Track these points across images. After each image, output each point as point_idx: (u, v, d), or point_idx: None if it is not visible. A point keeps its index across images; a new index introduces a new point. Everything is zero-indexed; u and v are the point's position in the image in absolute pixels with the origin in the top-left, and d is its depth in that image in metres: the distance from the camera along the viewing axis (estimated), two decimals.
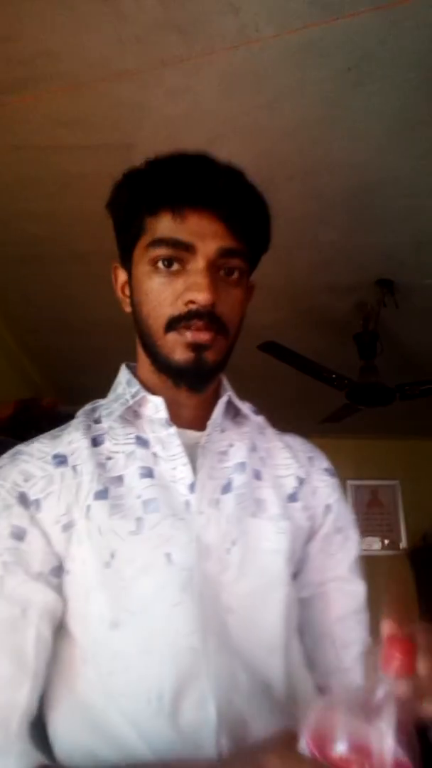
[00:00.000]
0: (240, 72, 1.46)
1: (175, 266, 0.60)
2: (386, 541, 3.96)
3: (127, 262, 0.65)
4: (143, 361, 0.67)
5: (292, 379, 2.74)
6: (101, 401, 0.69)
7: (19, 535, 0.57)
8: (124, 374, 0.69)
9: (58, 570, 0.58)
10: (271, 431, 0.73)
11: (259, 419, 0.72)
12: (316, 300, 2.52)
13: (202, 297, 0.58)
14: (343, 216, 2.00)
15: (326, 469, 0.73)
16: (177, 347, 0.60)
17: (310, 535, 0.68)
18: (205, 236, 0.59)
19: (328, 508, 0.69)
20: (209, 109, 1.58)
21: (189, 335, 0.59)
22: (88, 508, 0.58)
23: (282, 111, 1.58)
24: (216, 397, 0.68)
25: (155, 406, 0.63)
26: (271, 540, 0.63)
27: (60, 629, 0.58)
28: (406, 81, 1.47)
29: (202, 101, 1.55)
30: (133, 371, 0.69)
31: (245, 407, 0.70)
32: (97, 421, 0.66)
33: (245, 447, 0.67)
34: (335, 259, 2.24)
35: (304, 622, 0.66)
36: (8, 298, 2.53)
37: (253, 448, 0.68)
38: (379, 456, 4.05)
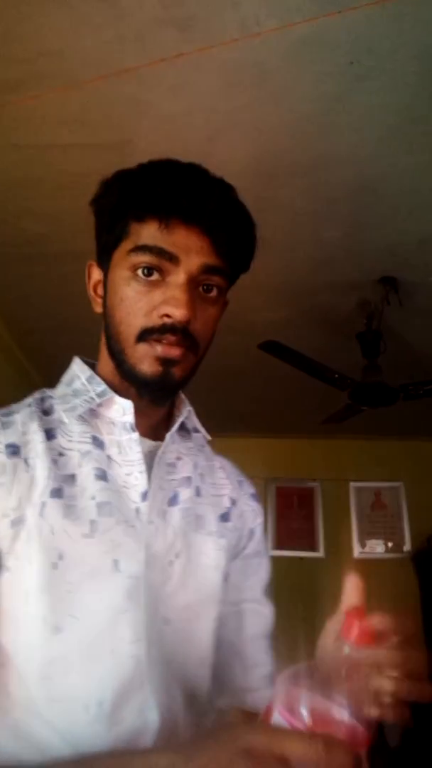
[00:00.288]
0: (240, 66, 1.46)
1: (155, 276, 0.59)
2: (390, 544, 3.95)
3: (104, 263, 0.65)
4: (106, 363, 0.66)
5: (293, 379, 2.74)
6: (50, 392, 0.67)
7: None
8: (81, 369, 0.67)
9: None
10: (209, 450, 0.74)
11: (201, 436, 0.73)
12: (318, 298, 2.52)
13: (179, 313, 0.58)
14: (345, 212, 2.00)
15: (252, 495, 0.75)
16: (146, 359, 0.60)
17: (234, 556, 0.70)
18: (190, 250, 0.59)
19: (251, 531, 0.72)
20: (209, 104, 1.58)
21: (159, 349, 0.59)
22: (43, 505, 0.57)
23: (283, 106, 1.58)
24: (171, 407, 0.69)
25: (122, 409, 0.63)
26: (211, 556, 0.65)
27: None
28: (409, 75, 1.47)
29: (203, 97, 1.56)
30: (92, 368, 0.68)
31: (197, 423, 0.71)
32: (47, 413, 0.64)
33: (191, 462, 0.69)
34: (338, 257, 2.24)
35: (217, 640, 0.67)
36: (8, 298, 2.54)
37: (196, 464, 0.70)
38: (382, 457, 4.05)
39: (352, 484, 4.07)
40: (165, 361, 0.60)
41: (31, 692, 0.54)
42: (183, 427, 0.70)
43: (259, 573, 0.72)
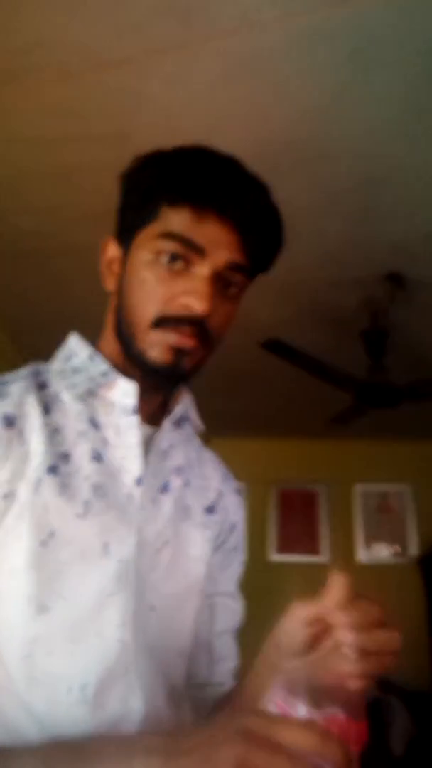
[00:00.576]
0: (241, 57, 1.47)
1: (179, 264, 0.59)
2: (396, 548, 3.96)
3: (125, 240, 0.64)
4: (111, 342, 0.66)
5: (296, 379, 2.74)
6: (44, 366, 0.67)
7: None
8: (81, 346, 0.66)
9: None
10: (197, 441, 0.75)
11: (190, 427, 0.73)
12: (322, 295, 2.53)
13: (200, 306, 0.58)
14: (349, 207, 2.00)
15: (236, 489, 0.77)
16: (158, 346, 0.60)
17: (216, 548, 0.71)
18: (219, 245, 0.59)
19: (233, 525, 0.74)
20: (209, 96, 1.58)
21: (173, 338, 0.60)
22: (39, 481, 0.56)
23: (285, 98, 1.58)
24: (166, 395, 0.69)
25: (124, 392, 0.62)
26: (197, 547, 0.66)
27: None
28: (413, 66, 1.47)
29: (202, 89, 1.56)
30: (93, 346, 0.67)
31: (192, 413, 0.72)
32: (42, 387, 0.63)
33: (183, 451, 0.70)
34: (342, 253, 2.24)
35: None
36: (2, 295, 2.54)
37: (187, 454, 0.71)
38: (388, 459, 4.05)
39: (358, 487, 4.07)
40: (177, 351, 0.60)
41: (10, 672, 0.54)
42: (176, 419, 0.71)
43: (234, 567, 0.74)
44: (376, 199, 1.97)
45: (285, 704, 0.45)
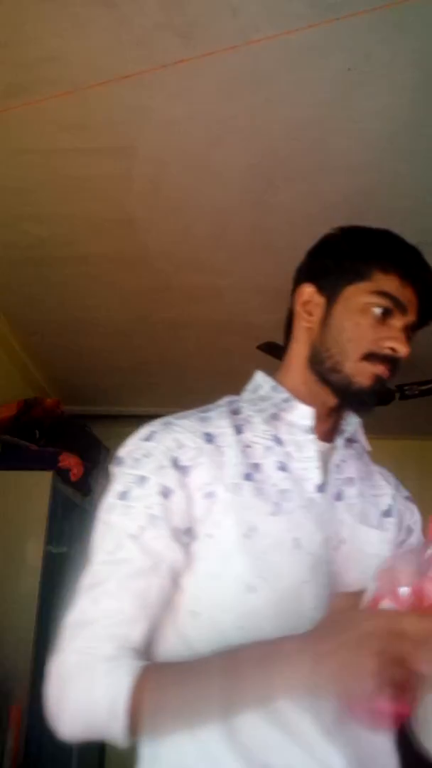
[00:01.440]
0: (240, 73, 1.45)
1: (383, 315, 0.72)
2: None
3: (328, 290, 0.76)
4: (297, 373, 0.77)
5: None
6: (236, 397, 0.79)
7: (166, 494, 0.65)
8: (265, 380, 0.79)
9: (190, 532, 0.65)
10: (367, 458, 0.85)
11: (361, 446, 0.82)
12: None
13: (404, 351, 0.72)
14: (342, 217, 1.96)
15: (408, 497, 0.86)
16: (366, 373, 0.72)
17: (396, 548, 0.78)
18: (412, 307, 0.73)
19: (410, 528, 0.82)
20: (210, 110, 1.57)
21: (380, 368, 0.72)
22: (237, 485, 0.67)
23: (282, 112, 1.57)
24: (339, 419, 0.79)
25: (302, 414, 0.73)
26: (375, 546, 0.74)
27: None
28: (406, 81, 1.46)
29: (203, 103, 1.55)
30: (273, 379, 0.79)
31: (361, 434, 0.82)
32: (236, 413, 0.75)
33: (354, 466, 0.79)
34: None
35: None
36: (12, 300, 2.53)
37: (358, 469, 0.80)
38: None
39: None
40: (380, 379, 0.72)
41: (225, 637, 0.61)
42: (347, 437, 0.80)
43: None
44: (368, 210, 1.95)
45: (394, 597, 0.49)
